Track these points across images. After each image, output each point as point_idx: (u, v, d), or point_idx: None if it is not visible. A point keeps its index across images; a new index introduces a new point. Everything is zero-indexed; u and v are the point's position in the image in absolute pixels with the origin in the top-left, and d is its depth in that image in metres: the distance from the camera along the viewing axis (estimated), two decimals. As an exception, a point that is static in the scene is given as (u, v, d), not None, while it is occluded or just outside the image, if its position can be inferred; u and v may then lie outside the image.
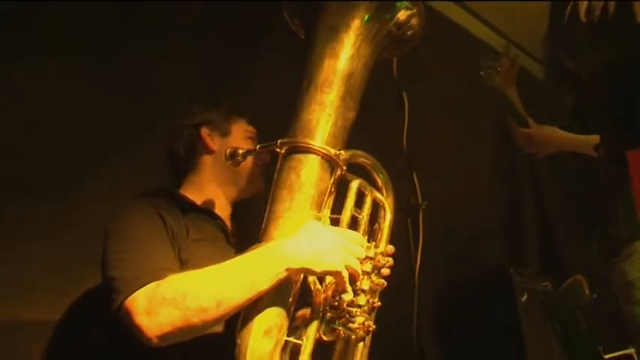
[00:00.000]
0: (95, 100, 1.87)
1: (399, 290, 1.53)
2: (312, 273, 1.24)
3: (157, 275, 1.23)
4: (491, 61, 2.34)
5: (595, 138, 1.59)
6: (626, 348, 2.53)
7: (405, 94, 1.99)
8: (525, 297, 2.68)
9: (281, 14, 1.63)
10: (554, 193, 3.38)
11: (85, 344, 1.51)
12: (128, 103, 1.93)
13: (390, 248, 1.50)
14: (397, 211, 1.64)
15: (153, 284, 1.22)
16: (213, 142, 1.63)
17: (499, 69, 2.32)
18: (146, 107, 1.94)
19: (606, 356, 2.60)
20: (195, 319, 1.18)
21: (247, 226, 1.59)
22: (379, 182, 1.55)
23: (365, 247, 1.32)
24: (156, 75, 2.00)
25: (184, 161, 1.63)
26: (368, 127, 1.57)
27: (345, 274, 1.24)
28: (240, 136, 1.65)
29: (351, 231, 1.32)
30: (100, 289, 1.34)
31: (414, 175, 2.02)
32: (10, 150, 1.71)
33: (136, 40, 1.99)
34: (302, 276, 1.28)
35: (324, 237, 1.25)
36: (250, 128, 1.69)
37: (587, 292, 2.57)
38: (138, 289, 1.22)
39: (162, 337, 1.19)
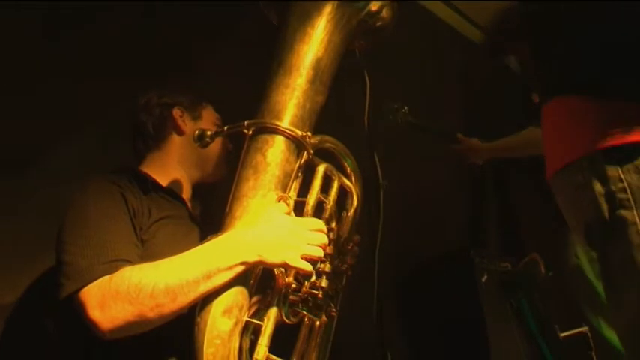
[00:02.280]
0: (54, 76, 1.81)
1: (359, 270, 1.52)
2: (269, 265, 1.24)
3: (113, 266, 1.21)
4: (391, 104, 2.36)
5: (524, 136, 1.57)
6: (580, 326, 2.60)
7: (366, 74, 1.97)
8: (485, 277, 2.71)
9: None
10: (516, 175, 3.43)
11: (38, 329, 1.46)
12: (88, 79, 1.87)
13: (356, 237, 1.51)
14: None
15: (107, 277, 1.19)
16: (185, 123, 1.61)
17: (401, 107, 2.36)
18: (107, 85, 1.88)
19: (562, 334, 2.66)
20: (151, 314, 1.16)
21: (212, 209, 1.56)
22: (348, 169, 1.57)
23: (325, 231, 1.31)
24: (114, 52, 1.93)
25: (151, 138, 1.60)
26: (331, 106, 1.54)
27: (303, 265, 1.24)
28: (210, 121, 1.65)
29: (310, 218, 1.32)
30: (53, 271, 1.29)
31: (375, 155, 2.01)
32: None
33: (91, 15, 1.91)
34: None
35: (281, 227, 1.24)
36: (218, 115, 1.69)
37: (542, 270, 2.63)
38: (92, 280, 1.19)
39: (116, 331, 1.17)
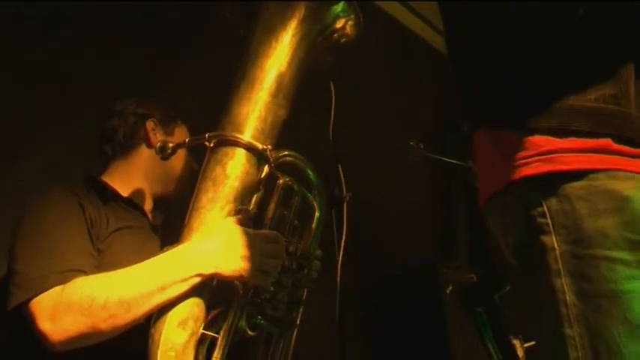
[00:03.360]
0: (22, 82, 1.79)
1: (321, 282, 1.53)
2: (225, 278, 1.24)
3: (65, 277, 1.19)
4: (408, 142, 2.39)
5: None
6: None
7: (332, 85, 1.98)
8: (450, 289, 2.73)
9: (220, 12, 1.59)
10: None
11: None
12: (55, 85, 1.85)
13: (318, 252, 1.51)
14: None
15: (59, 287, 1.18)
16: (156, 137, 1.60)
17: (416, 144, 2.41)
18: (74, 92, 1.86)
19: (526, 344, 2.69)
20: (103, 325, 1.15)
21: (173, 219, 1.55)
22: (311, 182, 1.56)
23: (284, 244, 1.32)
24: (83, 59, 1.92)
25: (120, 145, 1.59)
26: (295, 117, 1.55)
27: (259, 278, 1.25)
28: (181, 139, 1.60)
29: (267, 231, 1.33)
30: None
31: (339, 167, 2.03)
32: None
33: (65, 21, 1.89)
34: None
35: (238, 240, 1.24)
36: (189, 136, 1.65)
37: (502, 283, 2.67)
38: (43, 290, 1.17)
39: (67, 343, 1.15)
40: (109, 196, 1.47)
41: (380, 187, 2.86)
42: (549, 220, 0.88)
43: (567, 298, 0.86)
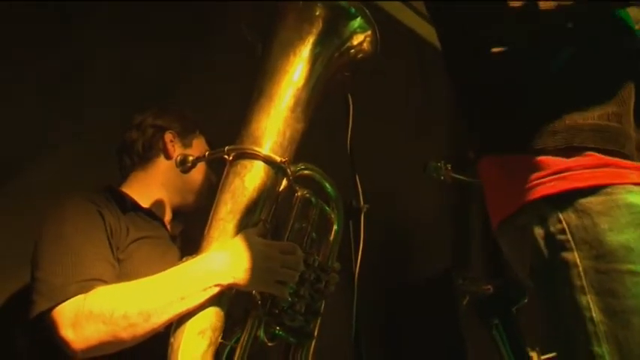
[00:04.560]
0: (35, 90, 1.84)
1: (339, 292, 1.54)
2: (243, 288, 1.27)
3: (87, 285, 1.23)
4: (435, 162, 2.43)
5: None
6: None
7: (349, 98, 2.01)
8: (466, 300, 2.71)
9: (237, 25, 1.62)
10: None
11: (9, 347, 1.45)
12: (69, 93, 1.91)
13: (336, 265, 1.53)
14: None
15: (81, 296, 1.21)
16: (174, 148, 1.64)
17: (443, 165, 2.44)
18: (90, 101, 1.91)
19: (543, 357, 2.67)
20: (124, 334, 1.18)
21: (191, 231, 1.57)
22: (328, 195, 1.59)
23: (301, 256, 1.34)
24: (100, 69, 1.97)
25: (139, 156, 1.63)
26: (313, 128, 1.57)
27: (277, 289, 1.27)
28: (199, 150, 1.65)
29: (285, 242, 1.36)
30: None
31: (357, 178, 2.05)
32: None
33: (78, 31, 1.97)
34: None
35: (256, 251, 1.26)
36: (207, 147, 1.69)
37: (521, 295, 2.64)
38: (65, 299, 1.20)
39: (88, 351, 1.18)
40: (129, 206, 1.51)
41: (397, 198, 2.87)
42: (570, 237, 0.88)
43: (594, 315, 0.86)
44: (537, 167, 0.90)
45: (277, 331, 1.33)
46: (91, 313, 1.17)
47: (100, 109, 1.94)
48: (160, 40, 2.15)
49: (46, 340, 1.21)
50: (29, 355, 1.33)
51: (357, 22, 1.56)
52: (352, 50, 1.60)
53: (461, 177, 2.49)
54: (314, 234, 1.51)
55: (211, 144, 1.75)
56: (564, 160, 0.89)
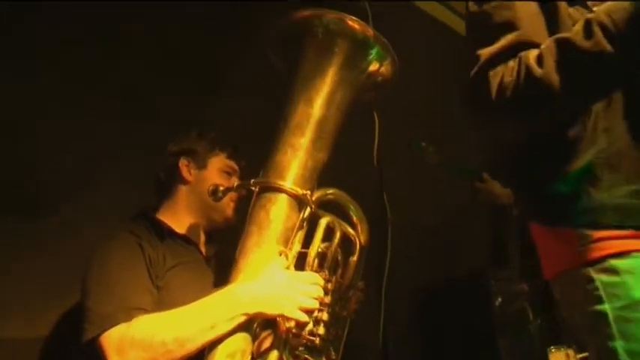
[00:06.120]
0: (82, 119, 2.00)
1: (368, 303, 1.66)
2: (268, 317, 1.40)
3: (129, 314, 1.39)
4: (419, 143, 2.43)
5: None
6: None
7: (375, 115, 2.09)
8: (500, 300, 2.75)
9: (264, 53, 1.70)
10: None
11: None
12: (113, 122, 2.06)
13: (361, 284, 1.65)
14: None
15: (124, 325, 1.38)
16: (190, 173, 1.76)
17: (428, 146, 2.43)
18: (131, 127, 2.07)
19: (579, 355, 2.69)
20: (161, 359, 1.32)
21: (224, 250, 1.69)
22: (353, 217, 1.69)
23: (321, 284, 1.46)
24: (142, 96, 2.11)
25: (163, 186, 1.78)
26: (339, 141, 1.66)
27: (298, 315, 1.39)
28: (215, 169, 1.78)
29: (306, 272, 1.47)
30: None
31: (384, 194, 2.13)
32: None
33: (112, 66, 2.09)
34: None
35: (279, 282, 1.40)
36: (229, 163, 1.81)
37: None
38: (111, 327, 1.37)
39: None
40: (165, 233, 1.66)
41: (429, 199, 2.90)
42: (602, 292, 1.04)
43: (620, 358, 1.01)
44: (577, 238, 1.08)
45: (301, 352, 1.44)
46: (133, 340, 1.34)
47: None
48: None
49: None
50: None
51: (375, 50, 1.64)
52: (372, 76, 1.69)
53: (445, 161, 2.49)
54: (338, 256, 1.61)
55: (241, 152, 1.85)
56: (600, 232, 1.06)
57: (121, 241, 1.53)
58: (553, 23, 1.12)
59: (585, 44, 1.00)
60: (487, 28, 1.13)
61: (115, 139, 2.05)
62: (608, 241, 1.05)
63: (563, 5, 1.13)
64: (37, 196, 1.86)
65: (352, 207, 1.69)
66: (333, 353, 1.50)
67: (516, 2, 1.11)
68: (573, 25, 1.07)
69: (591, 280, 1.05)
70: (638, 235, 1.05)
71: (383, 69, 1.67)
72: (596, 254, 1.05)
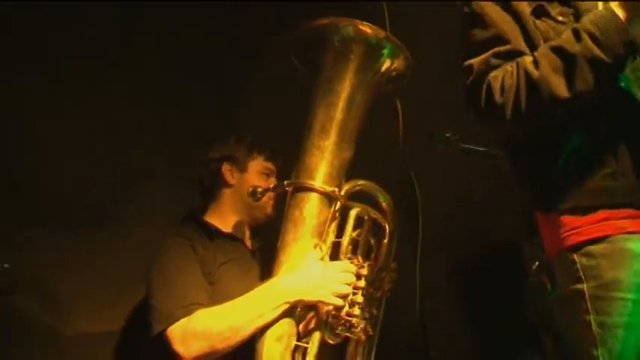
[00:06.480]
0: (122, 130, 2.22)
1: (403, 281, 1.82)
2: (308, 303, 1.60)
3: (189, 310, 1.62)
4: (441, 135, 2.48)
5: None
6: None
7: (398, 102, 2.22)
8: (536, 265, 2.82)
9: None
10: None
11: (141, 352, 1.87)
12: (153, 133, 2.28)
13: (393, 265, 1.83)
14: (397, 208, 1.90)
15: (185, 320, 1.61)
16: (232, 177, 1.96)
17: (452, 135, 2.45)
18: (170, 137, 2.29)
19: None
20: (220, 346, 1.58)
21: (267, 243, 1.88)
22: (382, 204, 1.85)
23: (353, 271, 1.64)
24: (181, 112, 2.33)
25: (208, 191, 1.99)
26: (367, 127, 1.82)
27: (334, 300, 1.58)
28: (255, 172, 1.96)
29: (339, 262, 1.66)
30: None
31: (412, 173, 2.28)
32: (66, 180, 2.07)
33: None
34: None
35: (315, 272, 1.60)
36: (267, 164, 2.00)
37: None
38: (174, 322, 1.60)
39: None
40: (213, 234, 1.87)
41: (462, 174, 2.99)
42: (582, 274, 1.20)
43: (594, 329, 1.18)
44: (562, 225, 1.23)
45: (340, 331, 1.62)
46: (194, 332, 1.57)
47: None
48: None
49: (165, 351, 1.60)
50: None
51: (387, 50, 1.77)
52: (387, 72, 1.82)
53: (469, 147, 2.54)
54: (371, 241, 1.78)
55: (276, 152, 2.03)
56: (579, 218, 1.21)
57: (175, 245, 1.75)
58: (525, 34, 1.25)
59: (575, 48, 1.14)
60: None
61: (153, 152, 2.27)
62: (586, 227, 1.19)
63: (530, 18, 1.25)
64: (95, 206, 2.11)
65: (380, 195, 1.84)
66: (370, 330, 1.68)
67: (493, 15, 1.24)
68: (546, 37, 1.22)
69: (574, 262, 1.20)
70: (613, 216, 1.18)
71: (397, 65, 1.80)
72: (577, 239, 1.20)
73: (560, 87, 1.15)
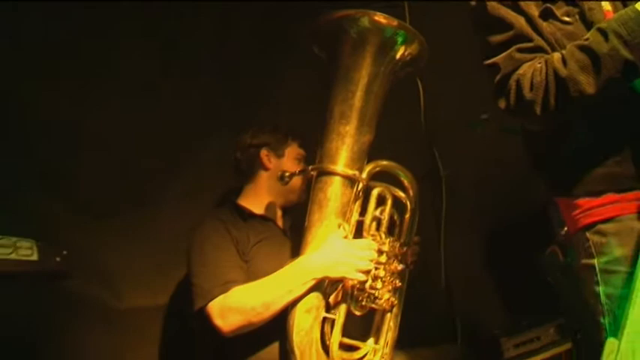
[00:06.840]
0: (164, 114, 2.39)
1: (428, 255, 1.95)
2: (333, 279, 1.75)
3: (226, 287, 1.79)
4: (479, 120, 2.50)
5: None
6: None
7: (419, 81, 2.29)
8: (565, 229, 2.84)
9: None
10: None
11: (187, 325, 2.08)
12: (189, 118, 2.43)
13: (416, 238, 1.97)
14: (421, 181, 2.02)
15: (222, 296, 1.78)
16: (270, 162, 2.10)
17: (486, 117, 2.47)
18: (205, 122, 2.43)
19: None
20: (254, 320, 1.75)
21: (298, 221, 2.02)
22: (404, 182, 1.97)
23: (374, 247, 1.77)
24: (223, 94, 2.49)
25: (244, 174, 2.13)
26: (389, 105, 1.92)
27: (357, 276, 1.73)
28: (291, 158, 2.11)
29: (361, 240, 1.79)
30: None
31: (435, 150, 2.36)
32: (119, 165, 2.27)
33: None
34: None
35: (339, 250, 1.74)
36: (300, 151, 2.14)
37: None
38: (213, 298, 1.78)
39: (233, 332, 1.76)
40: (247, 216, 2.03)
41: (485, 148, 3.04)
42: (593, 250, 1.32)
43: (601, 298, 1.30)
44: (577, 207, 1.35)
45: (365, 302, 1.77)
46: (230, 308, 1.74)
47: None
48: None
49: (206, 325, 1.78)
50: (200, 331, 1.89)
51: (401, 36, 1.87)
52: (403, 57, 1.91)
53: (507, 127, 2.56)
54: (395, 216, 1.90)
55: (307, 140, 2.16)
56: (591, 200, 1.32)
57: (212, 228, 1.91)
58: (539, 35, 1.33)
59: (603, 49, 1.21)
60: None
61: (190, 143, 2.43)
62: (598, 209, 1.31)
63: (539, 20, 1.32)
64: (138, 190, 2.30)
65: (402, 173, 1.96)
66: (395, 300, 1.82)
67: (509, 16, 1.32)
68: (553, 37, 1.31)
69: (587, 240, 1.32)
70: (622, 199, 1.29)
71: (411, 50, 1.88)
72: (590, 220, 1.31)
73: (588, 85, 1.23)
